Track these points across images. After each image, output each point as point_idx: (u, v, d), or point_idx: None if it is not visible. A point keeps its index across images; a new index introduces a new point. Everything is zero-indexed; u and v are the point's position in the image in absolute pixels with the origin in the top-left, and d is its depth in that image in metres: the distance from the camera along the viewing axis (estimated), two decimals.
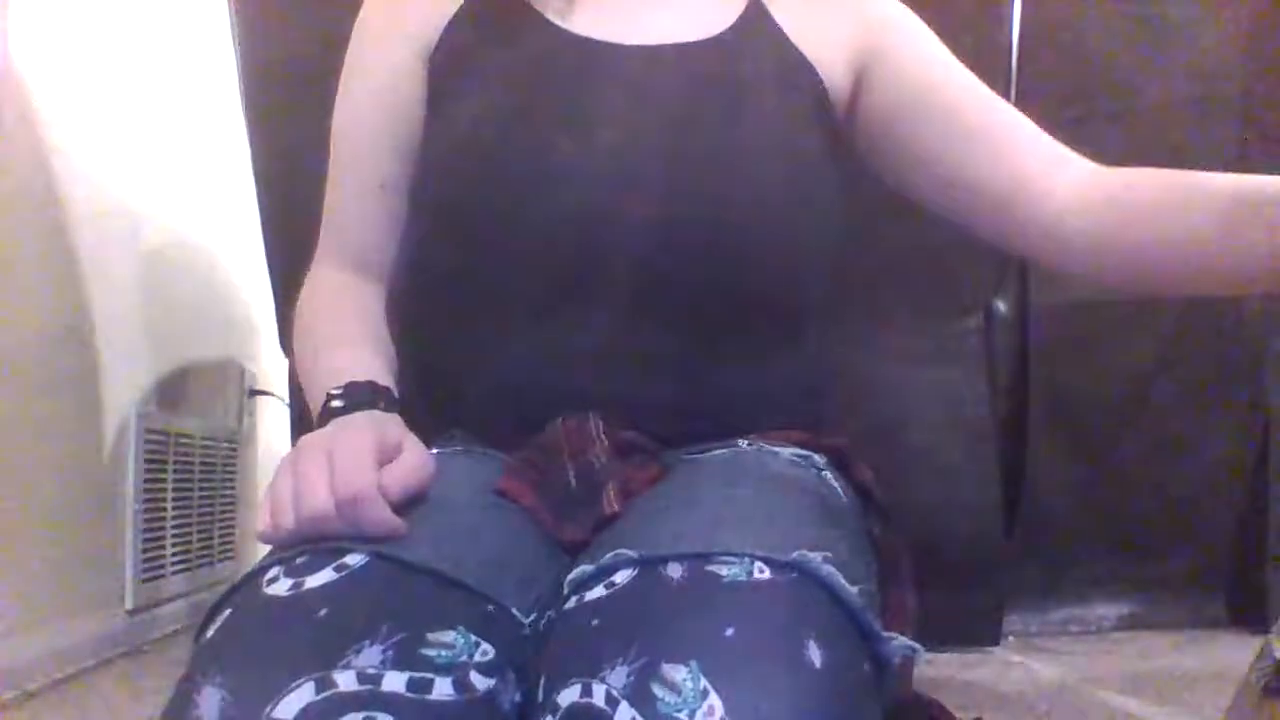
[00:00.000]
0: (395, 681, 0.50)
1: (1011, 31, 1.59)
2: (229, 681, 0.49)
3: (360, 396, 0.68)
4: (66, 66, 1.69)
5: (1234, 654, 1.53)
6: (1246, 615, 1.73)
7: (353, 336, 0.78)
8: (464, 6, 0.82)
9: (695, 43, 0.79)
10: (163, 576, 1.90)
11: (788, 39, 0.81)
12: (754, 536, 0.55)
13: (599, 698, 0.48)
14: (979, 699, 1.32)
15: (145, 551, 1.84)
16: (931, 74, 0.81)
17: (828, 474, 0.72)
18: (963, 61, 0.81)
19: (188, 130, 2.14)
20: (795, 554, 0.53)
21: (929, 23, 0.84)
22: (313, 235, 0.86)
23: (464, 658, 0.52)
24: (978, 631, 1.63)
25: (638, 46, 0.79)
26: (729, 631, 0.49)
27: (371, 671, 0.50)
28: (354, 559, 0.56)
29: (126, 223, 1.88)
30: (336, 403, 0.67)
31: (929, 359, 1.64)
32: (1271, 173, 0.62)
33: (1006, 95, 1.64)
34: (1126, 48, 1.69)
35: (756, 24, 0.82)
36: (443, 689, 0.51)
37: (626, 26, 0.80)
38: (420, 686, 0.51)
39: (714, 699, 0.46)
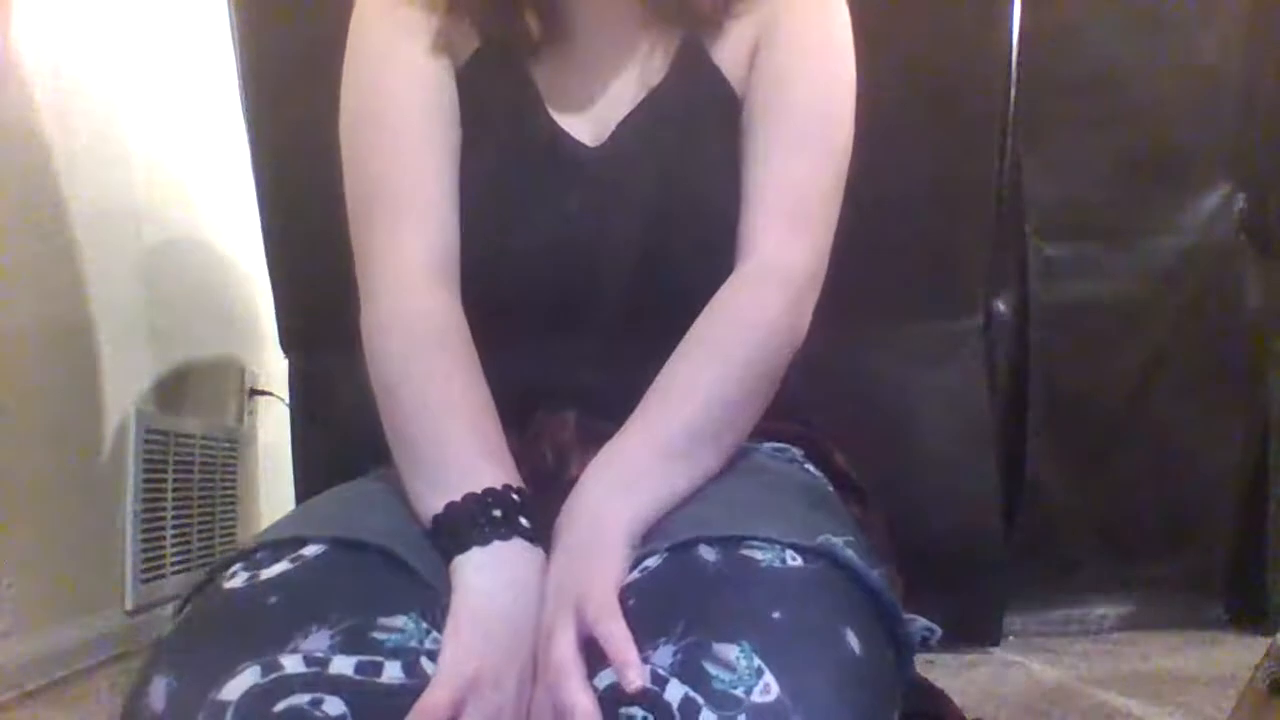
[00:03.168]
0: (343, 665, 0.50)
1: (1011, 31, 1.59)
2: (177, 670, 0.50)
3: (515, 509, 0.60)
4: (68, 63, 1.69)
5: (1233, 655, 1.54)
6: (1245, 617, 1.73)
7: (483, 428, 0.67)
8: (474, 57, 0.78)
9: (641, 109, 0.76)
10: (163, 576, 1.90)
11: (717, 71, 0.77)
12: (778, 523, 0.56)
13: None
14: (979, 699, 1.32)
15: (145, 551, 1.84)
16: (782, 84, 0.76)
17: (809, 465, 0.74)
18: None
19: (189, 128, 2.14)
20: (820, 539, 0.54)
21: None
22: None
23: (413, 643, 0.53)
24: (978, 631, 1.64)
25: (599, 146, 0.76)
26: (776, 614, 0.50)
27: (319, 655, 0.50)
28: (311, 549, 0.57)
29: (127, 222, 1.89)
30: (496, 511, 0.59)
31: (929, 359, 1.64)
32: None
33: (1006, 95, 1.67)
34: (1126, 48, 1.69)
35: (692, 60, 0.78)
36: (392, 672, 0.51)
37: (590, 100, 0.77)
38: (369, 669, 0.51)
39: (769, 677, 0.47)
